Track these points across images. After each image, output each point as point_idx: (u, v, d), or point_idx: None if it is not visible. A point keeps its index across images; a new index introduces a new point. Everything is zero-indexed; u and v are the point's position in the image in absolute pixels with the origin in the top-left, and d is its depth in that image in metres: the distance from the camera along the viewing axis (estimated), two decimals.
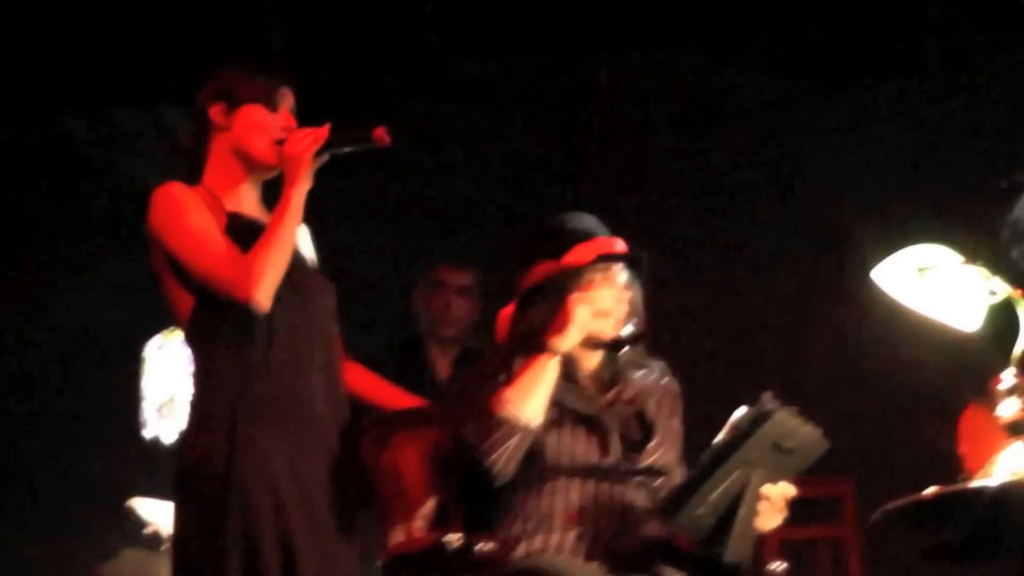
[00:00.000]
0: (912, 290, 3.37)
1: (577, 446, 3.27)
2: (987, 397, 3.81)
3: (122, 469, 5.58)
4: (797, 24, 5.97)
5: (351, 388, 3.57)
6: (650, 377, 3.44)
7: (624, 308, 3.37)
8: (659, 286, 3.45)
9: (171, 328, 5.87)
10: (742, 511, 2.98)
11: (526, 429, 3.20)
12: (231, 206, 3.36)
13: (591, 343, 3.35)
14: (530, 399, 3.22)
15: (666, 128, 6.28)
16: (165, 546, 4.31)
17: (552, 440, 3.26)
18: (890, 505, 3.19)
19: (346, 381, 3.53)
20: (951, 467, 3.84)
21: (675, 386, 3.47)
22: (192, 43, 5.50)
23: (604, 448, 3.27)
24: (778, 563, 3.30)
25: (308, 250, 3.52)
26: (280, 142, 3.35)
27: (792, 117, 6.16)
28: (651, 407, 3.39)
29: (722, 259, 6.14)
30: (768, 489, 3.05)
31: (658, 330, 3.45)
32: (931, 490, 3.13)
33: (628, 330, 3.39)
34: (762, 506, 3.04)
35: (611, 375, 3.41)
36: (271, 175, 3.43)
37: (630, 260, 3.40)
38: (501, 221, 6.17)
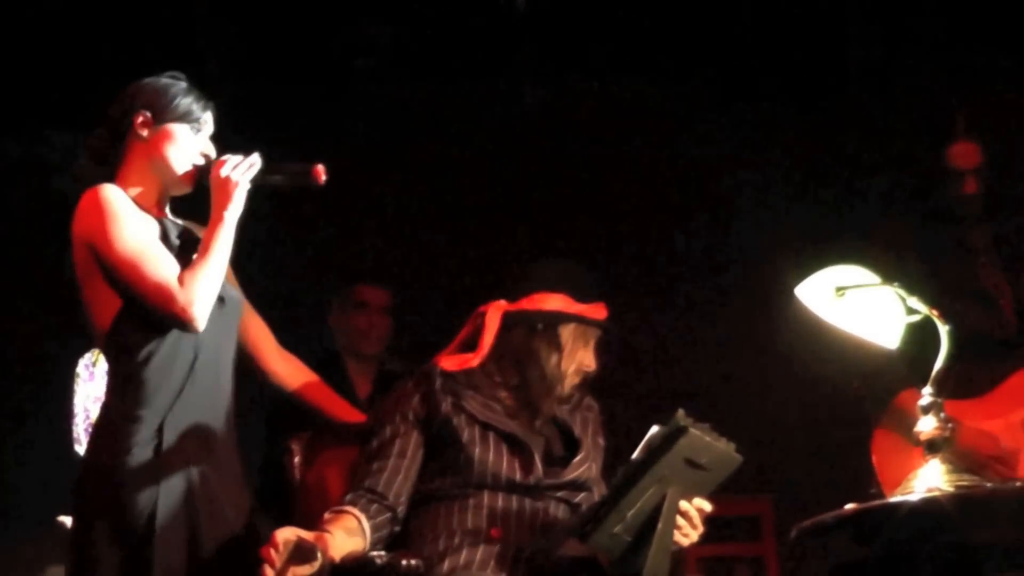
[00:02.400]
0: (832, 309, 3.42)
1: (501, 463, 3.30)
2: (895, 415, 3.88)
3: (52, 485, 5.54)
4: (722, 49, 6.03)
5: (302, 394, 3.63)
6: (573, 397, 3.49)
7: None
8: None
9: None
10: (660, 528, 3.00)
11: None
12: (152, 213, 3.35)
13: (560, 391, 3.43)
14: None
15: (592, 152, 6.32)
16: None
17: (478, 455, 3.29)
18: (808, 522, 3.23)
19: (299, 387, 3.62)
20: (867, 485, 3.89)
21: (595, 405, 3.53)
22: (126, 65, 5.48)
23: (526, 467, 3.31)
24: None
25: None
26: (202, 167, 3.35)
27: (717, 140, 6.22)
28: (577, 424, 3.44)
29: (641, 276, 6.18)
30: (685, 505, 3.08)
31: None
32: (850, 506, 3.17)
33: None
34: (679, 522, 3.07)
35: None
36: (180, 193, 3.42)
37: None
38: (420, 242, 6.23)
